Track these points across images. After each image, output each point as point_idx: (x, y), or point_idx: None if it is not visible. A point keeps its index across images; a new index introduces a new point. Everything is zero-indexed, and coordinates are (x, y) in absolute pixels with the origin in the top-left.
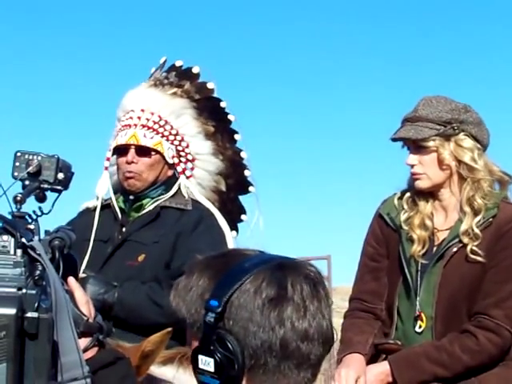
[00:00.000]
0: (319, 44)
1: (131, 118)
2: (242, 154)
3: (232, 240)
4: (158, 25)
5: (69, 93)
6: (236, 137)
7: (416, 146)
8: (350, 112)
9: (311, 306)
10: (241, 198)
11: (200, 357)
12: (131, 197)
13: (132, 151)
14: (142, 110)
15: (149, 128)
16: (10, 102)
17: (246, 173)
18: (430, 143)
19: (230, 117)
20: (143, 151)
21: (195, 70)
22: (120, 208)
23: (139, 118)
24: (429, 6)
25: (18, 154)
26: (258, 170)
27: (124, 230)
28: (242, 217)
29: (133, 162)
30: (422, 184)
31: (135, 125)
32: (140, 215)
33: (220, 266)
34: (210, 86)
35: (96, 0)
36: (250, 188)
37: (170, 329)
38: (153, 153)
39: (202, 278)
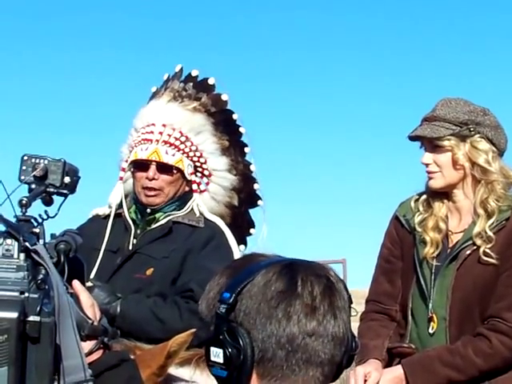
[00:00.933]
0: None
1: (152, 132)
2: (252, 168)
3: None
4: (159, 26)
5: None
6: (246, 150)
7: (432, 145)
8: (369, 115)
9: (321, 306)
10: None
11: (211, 349)
12: (148, 210)
13: (153, 167)
14: (164, 125)
15: (171, 145)
16: (22, 105)
17: (255, 186)
18: (445, 142)
19: (241, 129)
20: (164, 168)
21: (211, 81)
22: (131, 219)
23: (161, 133)
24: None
25: (25, 157)
26: (274, 173)
27: (134, 241)
28: (251, 230)
29: (153, 179)
30: (435, 183)
31: (157, 140)
32: (152, 228)
33: (238, 265)
34: (224, 97)
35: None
36: (259, 202)
37: (193, 330)
38: (174, 170)
39: (222, 277)
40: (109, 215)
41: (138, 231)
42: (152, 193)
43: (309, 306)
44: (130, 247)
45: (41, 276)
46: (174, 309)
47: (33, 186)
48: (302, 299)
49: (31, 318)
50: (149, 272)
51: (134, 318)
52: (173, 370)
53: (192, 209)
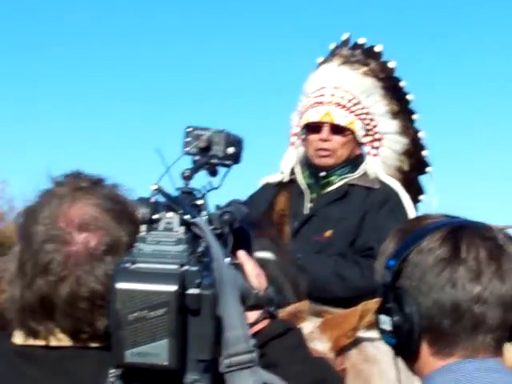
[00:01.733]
0: None
1: (323, 95)
2: (420, 134)
3: None
4: None
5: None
6: (414, 117)
7: None
8: None
9: (488, 269)
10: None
11: (380, 316)
12: (322, 173)
13: (326, 129)
14: (335, 88)
15: (343, 107)
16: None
17: (424, 153)
18: None
19: (408, 97)
20: (337, 129)
21: (378, 48)
22: (306, 183)
23: (332, 95)
24: None
25: (189, 129)
26: (464, 138)
27: (310, 205)
28: (420, 197)
29: (327, 140)
30: None
31: (329, 102)
32: (328, 191)
33: (407, 229)
34: (391, 65)
35: None
36: (428, 169)
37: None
38: (347, 132)
39: (391, 242)
40: (280, 182)
41: (313, 195)
42: (325, 153)
43: (473, 272)
44: (307, 211)
45: (201, 249)
46: (355, 267)
47: (196, 157)
48: (466, 265)
49: (191, 291)
50: (327, 234)
51: (315, 276)
52: (361, 333)
53: (365, 171)
